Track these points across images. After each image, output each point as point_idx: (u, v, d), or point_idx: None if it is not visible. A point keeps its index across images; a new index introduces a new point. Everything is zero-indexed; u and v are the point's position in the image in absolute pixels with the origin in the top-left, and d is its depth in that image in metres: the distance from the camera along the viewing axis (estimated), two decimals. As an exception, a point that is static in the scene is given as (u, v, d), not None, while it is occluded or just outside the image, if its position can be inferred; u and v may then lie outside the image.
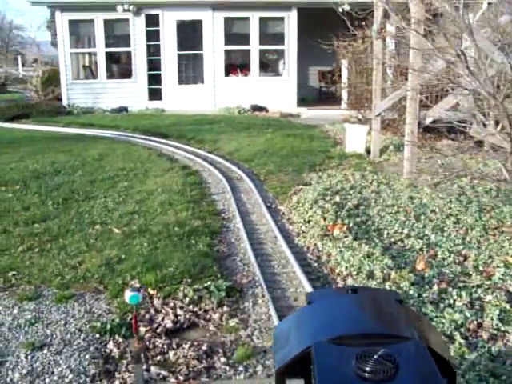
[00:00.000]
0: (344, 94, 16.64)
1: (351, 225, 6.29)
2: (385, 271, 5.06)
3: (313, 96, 21.59)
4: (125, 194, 8.00)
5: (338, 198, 7.44)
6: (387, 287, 4.73)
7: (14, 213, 6.99)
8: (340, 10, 12.75)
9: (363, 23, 12.25)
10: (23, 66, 34.50)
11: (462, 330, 4.09)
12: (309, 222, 6.62)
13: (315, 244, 5.95)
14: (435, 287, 4.75)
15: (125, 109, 19.82)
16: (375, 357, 1.31)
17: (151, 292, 4.58)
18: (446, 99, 9.64)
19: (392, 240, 6.07)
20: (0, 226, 6.49)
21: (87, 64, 21.77)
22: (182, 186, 8.46)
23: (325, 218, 6.50)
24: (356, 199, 7.55)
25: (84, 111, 19.68)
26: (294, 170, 9.78)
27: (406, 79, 13.64)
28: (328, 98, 20.35)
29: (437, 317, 4.26)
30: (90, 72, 21.13)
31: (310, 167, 10.01)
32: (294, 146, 12.12)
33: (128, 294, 3.07)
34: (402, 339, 1.37)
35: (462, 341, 3.89)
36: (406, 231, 6.32)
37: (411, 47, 8.07)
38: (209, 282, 4.73)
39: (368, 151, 11.40)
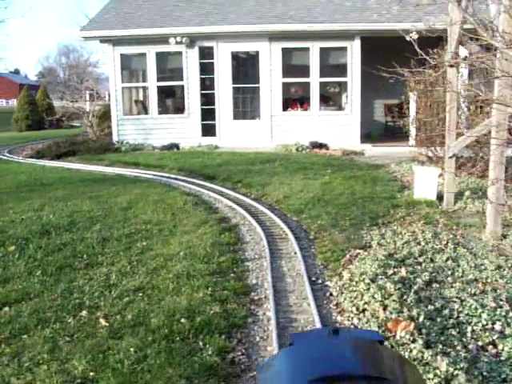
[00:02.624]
0: (412, 130, 14.92)
1: (421, 318, 4.57)
2: (474, 410, 3.35)
3: (378, 131, 19.89)
4: (138, 259, 6.51)
5: (403, 272, 5.72)
6: None
7: (-13, 288, 5.58)
8: (408, 38, 11.18)
9: (434, 51, 10.70)
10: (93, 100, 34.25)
11: None
12: (364, 311, 4.92)
13: (370, 352, 4.26)
14: None
15: (176, 146, 18.61)
16: None
17: None
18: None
19: (479, 343, 4.33)
20: (-42, 310, 5.04)
21: (139, 99, 20.82)
22: (210, 247, 6.92)
23: (385, 307, 4.79)
24: (427, 272, 5.80)
25: (133, 148, 18.59)
26: (352, 224, 8.12)
27: (481, 113, 11.96)
28: (394, 134, 18.63)
29: None
30: (142, 107, 20.13)
31: (372, 220, 8.34)
32: (355, 191, 10.45)
33: None
34: (382, 381, 1.34)
35: None
36: (498, 326, 4.57)
37: (499, 74, 6.36)
38: None
39: (440, 197, 9.63)
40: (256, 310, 5.16)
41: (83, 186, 11.64)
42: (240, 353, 4.28)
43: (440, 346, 4.15)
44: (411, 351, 4.06)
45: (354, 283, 5.51)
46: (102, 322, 4.67)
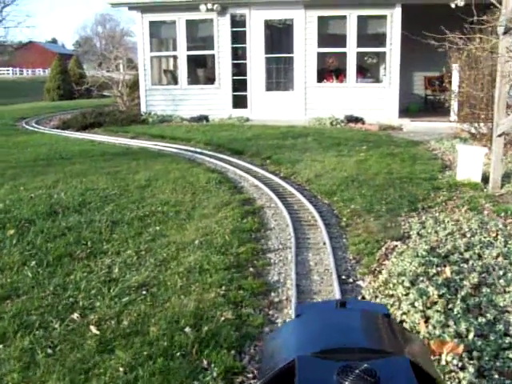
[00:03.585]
0: (454, 104, 13.98)
1: (471, 336, 3.79)
2: None
3: (417, 105, 18.88)
4: (147, 247, 5.82)
5: (448, 272, 4.93)
6: None
7: (-29, 283, 4.92)
8: (453, 5, 10.33)
9: (483, 18, 9.77)
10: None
11: None
12: (401, 323, 4.17)
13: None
14: None
15: (205, 117, 17.91)
16: (356, 371, 1.26)
17: None
18: None
19: (544, 371, 3.54)
20: None
21: (168, 68, 20.13)
22: (230, 235, 6.20)
23: (427, 319, 4.03)
24: (476, 273, 5.00)
25: (161, 119, 17.94)
26: (389, 208, 7.34)
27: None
28: (435, 108, 17.66)
29: None
30: (171, 77, 19.42)
31: (410, 204, 7.56)
32: (392, 170, 9.64)
33: None
34: (387, 354, 1.32)
35: None
36: None
37: None
38: None
39: (485, 179, 8.77)
40: (275, 317, 4.41)
41: (103, 161, 11.03)
42: (251, 375, 3.54)
43: (495, 376, 3.38)
44: (460, 382, 3.30)
45: (390, 285, 4.73)
46: (93, 329, 3.98)
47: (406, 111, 17.64)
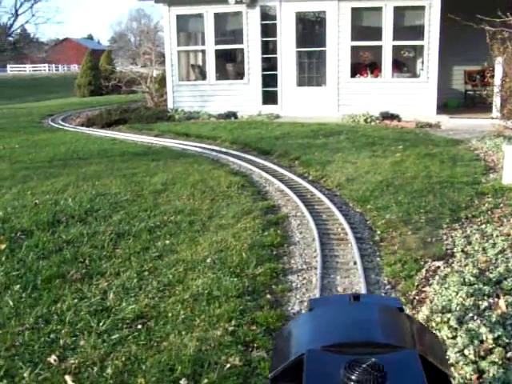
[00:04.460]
0: (497, 100, 13.07)
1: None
2: None
3: (456, 101, 17.87)
4: (152, 267, 5.11)
5: (503, 305, 4.11)
6: None
7: None
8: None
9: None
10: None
11: None
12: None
13: None
14: None
15: (233, 114, 17.18)
16: (363, 366, 1.26)
17: None
18: None
19: None
20: None
21: (196, 63, 19.46)
22: (248, 251, 5.45)
23: (481, 374, 3.24)
24: (536, 305, 4.18)
25: (187, 116, 17.29)
26: (428, 219, 6.54)
27: None
28: (475, 104, 16.68)
29: None
30: (199, 72, 18.75)
31: (452, 213, 6.75)
32: (431, 173, 8.81)
33: None
34: (397, 348, 1.30)
35: None
36: None
37: None
38: None
39: (536, 183, 7.94)
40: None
41: (120, 162, 10.37)
42: None
43: None
44: None
45: (433, 324, 3.93)
46: (69, 380, 3.28)
47: (444, 107, 16.70)
